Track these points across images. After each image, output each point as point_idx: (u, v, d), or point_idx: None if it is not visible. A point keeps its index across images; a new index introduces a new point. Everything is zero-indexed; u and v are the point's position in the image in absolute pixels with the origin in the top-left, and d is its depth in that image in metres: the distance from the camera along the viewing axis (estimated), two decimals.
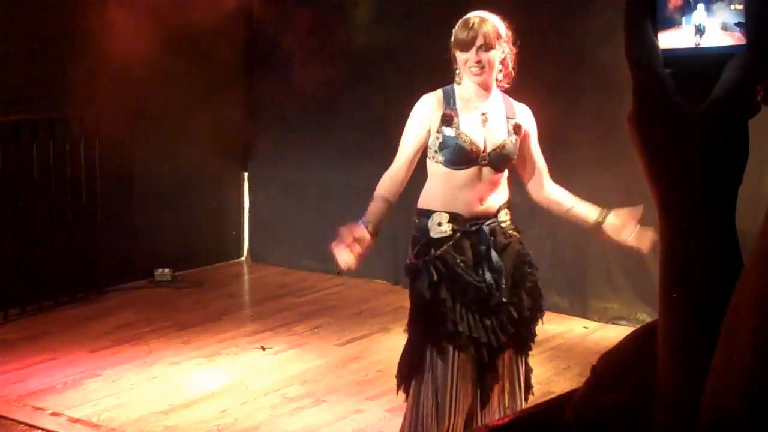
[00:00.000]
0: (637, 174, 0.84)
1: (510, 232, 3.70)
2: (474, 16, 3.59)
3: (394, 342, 5.90)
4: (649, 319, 5.36)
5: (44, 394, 4.93)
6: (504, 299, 3.58)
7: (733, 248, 0.80)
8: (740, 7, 0.80)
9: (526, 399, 3.80)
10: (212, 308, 6.63)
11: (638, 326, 0.99)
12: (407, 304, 7.12)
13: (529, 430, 1.03)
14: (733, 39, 0.81)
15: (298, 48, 7.54)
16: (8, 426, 4.54)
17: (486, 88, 3.62)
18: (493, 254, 3.60)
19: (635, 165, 0.86)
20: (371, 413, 4.75)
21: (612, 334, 5.96)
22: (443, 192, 3.61)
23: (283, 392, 5.04)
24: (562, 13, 6.33)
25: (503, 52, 3.61)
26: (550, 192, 3.83)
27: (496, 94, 3.68)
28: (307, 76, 7.50)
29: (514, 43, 3.65)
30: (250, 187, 8.14)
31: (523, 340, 3.68)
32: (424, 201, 3.66)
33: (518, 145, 3.69)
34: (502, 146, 3.61)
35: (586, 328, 6.23)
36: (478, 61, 3.53)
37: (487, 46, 3.53)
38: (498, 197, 3.69)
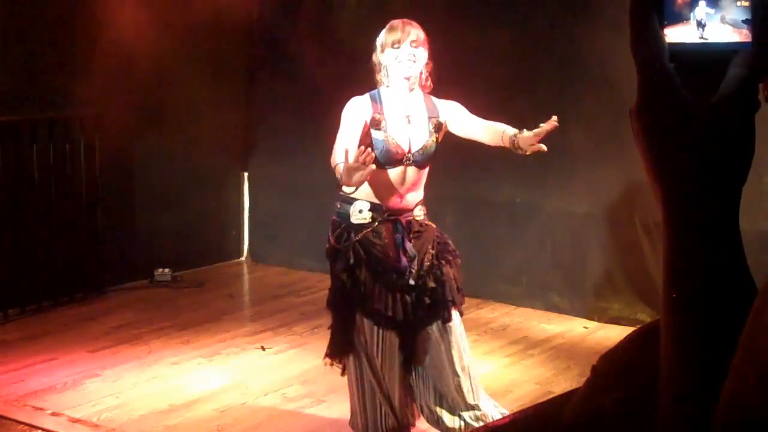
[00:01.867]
0: (635, 170, 0.83)
1: (424, 222, 4.03)
2: (399, 21, 3.92)
3: None
4: (649, 319, 5.36)
5: (44, 394, 4.93)
6: (413, 282, 3.89)
7: (737, 247, 0.79)
8: (746, 3, 0.80)
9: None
10: (212, 308, 6.63)
11: (638, 326, 0.99)
12: None
13: (529, 430, 1.03)
14: (740, 36, 0.81)
15: (299, 48, 7.54)
16: (8, 426, 4.54)
17: (411, 88, 3.93)
18: (408, 244, 3.91)
19: (634, 163, 0.86)
20: None
21: (612, 334, 5.96)
22: (367, 187, 3.85)
23: (283, 392, 5.04)
24: (563, 14, 6.33)
25: (426, 56, 3.93)
26: (495, 132, 3.96)
27: (418, 94, 3.97)
28: (308, 77, 7.50)
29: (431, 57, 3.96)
30: (250, 187, 8.14)
31: (443, 303, 3.93)
32: (348, 190, 3.89)
33: (440, 141, 4.00)
34: (425, 147, 3.92)
35: (586, 328, 6.23)
36: (413, 55, 3.85)
37: (418, 43, 3.86)
38: (417, 195, 4.02)
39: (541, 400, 1.03)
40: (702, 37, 0.81)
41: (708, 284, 0.78)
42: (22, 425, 4.55)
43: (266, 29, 7.79)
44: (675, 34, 0.81)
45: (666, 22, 0.82)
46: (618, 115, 5.79)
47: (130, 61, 6.71)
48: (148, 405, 4.82)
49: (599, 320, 6.31)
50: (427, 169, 4.02)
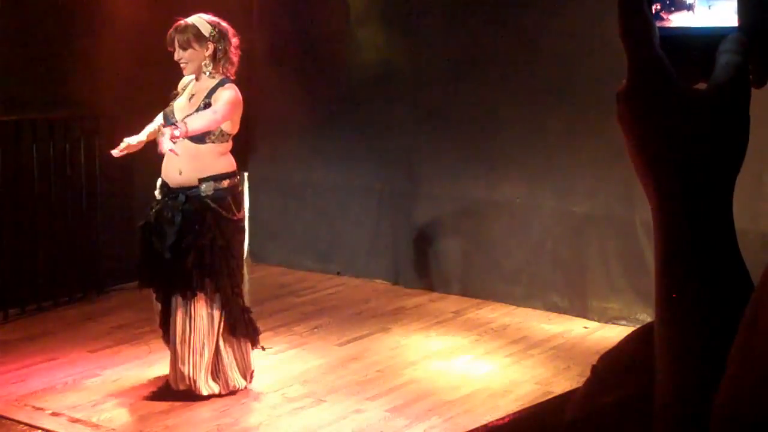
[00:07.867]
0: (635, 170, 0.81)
1: (209, 202, 4.61)
2: (178, 24, 4.71)
3: (394, 342, 5.89)
4: (649, 319, 5.36)
5: (44, 394, 4.93)
6: (168, 256, 4.62)
7: (732, 239, 0.78)
8: None
9: (253, 343, 4.95)
10: None
11: (638, 326, 0.99)
12: (407, 304, 7.13)
13: (529, 430, 1.03)
14: (727, 19, 0.79)
15: (298, 49, 7.54)
16: (8, 426, 4.54)
17: (197, 77, 4.75)
18: (177, 218, 4.59)
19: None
20: (371, 413, 4.75)
21: (612, 334, 5.96)
22: (165, 159, 4.64)
23: (283, 392, 5.03)
24: (563, 11, 6.32)
25: (208, 49, 4.66)
26: None
27: (210, 80, 4.71)
28: (307, 77, 7.50)
29: (224, 38, 4.70)
30: (250, 187, 8.14)
31: (186, 281, 4.64)
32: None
33: None
34: (189, 116, 4.61)
35: (586, 328, 6.23)
36: (181, 57, 4.67)
37: (183, 46, 4.66)
38: (198, 169, 4.62)
39: (541, 400, 1.04)
40: (690, 21, 0.80)
41: (702, 278, 0.77)
42: (22, 425, 4.55)
43: (266, 31, 7.79)
44: (664, 18, 0.80)
45: (654, 5, 0.80)
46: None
47: (130, 60, 6.70)
48: (148, 405, 4.82)
49: (599, 320, 6.31)
50: (208, 146, 4.62)
